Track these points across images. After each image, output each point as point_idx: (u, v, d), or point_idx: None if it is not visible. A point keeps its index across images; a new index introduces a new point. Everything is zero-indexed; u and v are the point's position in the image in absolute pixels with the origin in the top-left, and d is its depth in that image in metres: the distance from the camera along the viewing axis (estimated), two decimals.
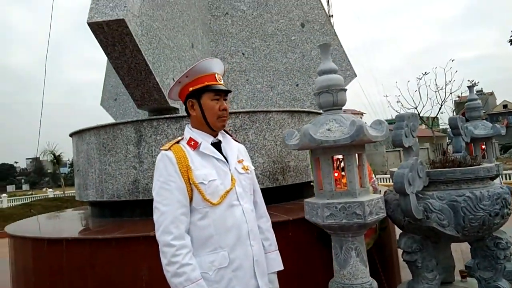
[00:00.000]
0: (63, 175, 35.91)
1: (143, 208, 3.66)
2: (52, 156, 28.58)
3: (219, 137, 1.80)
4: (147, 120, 3.71)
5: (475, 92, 4.27)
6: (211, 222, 1.62)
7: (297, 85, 6.41)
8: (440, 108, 19.69)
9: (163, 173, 1.63)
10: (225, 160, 1.74)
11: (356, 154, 2.27)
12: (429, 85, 19.05)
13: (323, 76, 2.36)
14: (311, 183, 2.63)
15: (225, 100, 1.77)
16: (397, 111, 21.39)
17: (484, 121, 4.08)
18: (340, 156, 2.29)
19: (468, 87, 4.28)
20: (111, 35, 3.35)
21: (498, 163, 3.73)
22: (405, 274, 3.57)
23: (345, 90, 2.36)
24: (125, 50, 3.47)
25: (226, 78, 6.25)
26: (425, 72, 19.19)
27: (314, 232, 2.84)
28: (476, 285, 2.84)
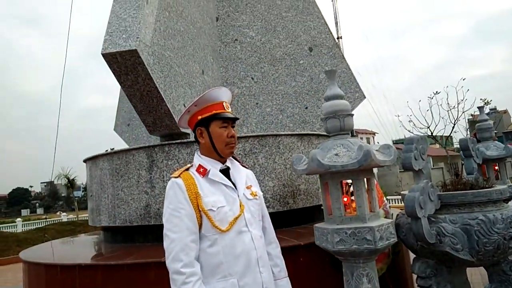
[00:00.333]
0: (76, 198, 36.28)
1: (154, 234, 3.68)
2: (66, 180, 28.98)
3: (228, 163, 1.83)
4: (158, 146, 3.78)
5: (487, 112, 4.25)
6: (220, 249, 1.64)
7: (306, 107, 6.47)
8: (453, 127, 19.49)
9: (173, 200, 1.67)
10: (233, 186, 1.77)
11: (365, 179, 2.28)
12: (441, 104, 18.95)
13: (329, 102, 2.40)
14: (322, 207, 2.62)
15: (233, 127, 1.82)
16: (409, 131, 21.24)
17: (496, 141, 4.04)
18: (349, 180, 2.30)
19: (478, 107, 4.26)
20: (124, 64, 3.47)
21: None
22: None
23: (352, 115, 2.39)
24: (138, 78, 3.59)
25: (236, 102, 6.36)
26: (436, 91, 19.14)
27: (325, 257, 2.81)
28: None
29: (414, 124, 20.03)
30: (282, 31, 6.69)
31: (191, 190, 1.67)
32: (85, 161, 4.61)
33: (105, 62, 3.57)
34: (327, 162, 2.16)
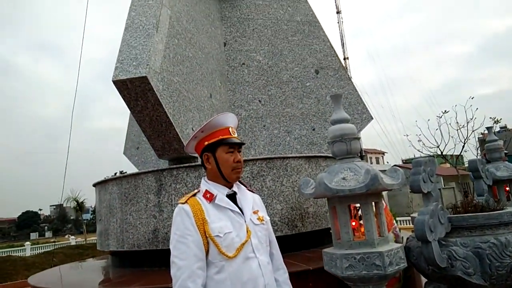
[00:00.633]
0: (85, 221, 36.28)
1: (162, 258, 3.67)
2: (75, 203, 29.07)
3: (234, 188, 1.84)
4: (167, 169, 3.82)
5: (497, 130, 4.22)
6: (227, 276, 1.63)
7: (313, 129, 6.49)
8: (463, 146, 19.28)
9: (180, 227, 1.67)
10: (240, 212, 1.77)
11: (373, 203, 2.27)
12: (450, 123, 18.81)
13: (336, 126, 2.42)
14: (331, 231, 2.60)
15: (239, 152, 1.84)
16: (418, 150, 21.06)
17: (507, 162, 3.99)
18: (358, 204, 2.29)
19: (487, 128, 4.24)
20: (134, 91, 3.56)
21: None
22: None
23: (359, 138, 2.41)
24: (147, 104, 3.66)
25: (243, 125, 6.41)
26: (445, 111, 19.04)
27: (335, 282, 2.77)
28: None
29: (424, 144, 19.86)
30: (288, 55, 6.81)
31: (198, 216, 1.67)
32: (94, 185, 4.65)
33: (114, 87, 3.65)
34: (335, 186, 2.16)
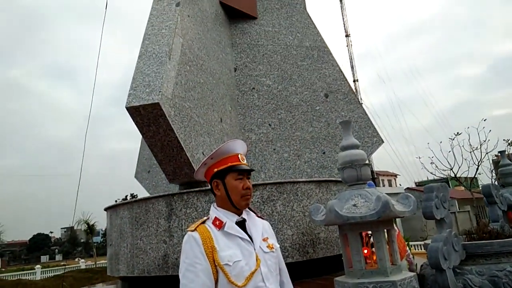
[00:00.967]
0: (95, 244, 36.23)
1: (172, 284, 3.63)
2: (86, 226, 29.14)
3: (244, 215, 1.84)
4: (177, 194, 3.84)
5: (509, 153, 4.16)
6: None
7: (323, 152, 6.49)
8: (477, 169, 18.96)
9: (189, 255, 1.67)
10: (249, 239, 1.77)
11: (385, 230, 2.24)
12: (462, 146, 18.59)
13: (345, 152, 2.43)
14: (343, 258, 2.56)
15: (248, 178, 1.85)
16: (431, 173, 20.72)
17: None
18: (369, 231, 2.26)
19: (500, 152, 4.19)
20: (147, 117, 3.63)
21: None
22: None
23: (368, 164, 2.40)
24: (159, 129, 3.73)
25: (253, 148, 6.44)
26: (458, 133, 18.87)
27: None
28: None
29: (437, 166, 19.58)
30: (298, 79, 6.90)
31: (207, 244, 1.67)
32: (106, 209, 4.69)
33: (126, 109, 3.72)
34: (345, 213, 2.15)
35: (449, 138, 19.08)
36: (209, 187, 1.90)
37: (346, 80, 7.05)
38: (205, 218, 1.84)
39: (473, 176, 20.39)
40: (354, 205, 2.18)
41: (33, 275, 20.99)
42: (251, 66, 6.94)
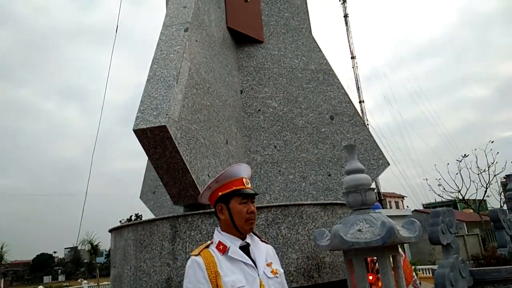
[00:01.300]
0: (99, 264, 35.90)
1: None
2: (90, 246, 28.98)
3: (248, 239, 1.85)
4: (182, 216, 3.84)
5: None
6: None
7: (329, 175, 6.47)
8: (485, 191, 18.73)
9: (192, 280, 1.68)
10: (253, 264, 1.77)
11: (391, 256, 2.22)
12: (470, 168, 18.44)
13: (350, 176, 2.44)
14: (348, 284, 2.53)
15: (253, 202, 1.86)
16: (439, 195, 20.47)
17: None
18: (375, 257, 2.24)
19: (507, 175, 4.17)
20: (153, 139, 3.68)
21: None
22: None
23: (373, 189, 2.41)
24: (165, 152, 3.77)
25: (259, 170, 6.45)
26: (465, 154, 18.75)
27: None
28: None
29: (444, 188, 19.37)
30: (303, 101, 6.96)
31: (210, 269, 1.68)
32: (110, 231, 4.69)
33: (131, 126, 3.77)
34: (350, 238, 2.14)
35: (457, 160, 18.96)
36: (213, 209, 1.91)
37: (352, 102, 7.10)
38: (208, 242, 1.85)
39: (481, 198, 20.11)
40: (359, 230, 2.17)
41: None
42: (257, 89, 7.03)
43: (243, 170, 1.92)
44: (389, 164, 6.57)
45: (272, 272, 1.82)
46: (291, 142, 6.73)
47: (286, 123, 6.84)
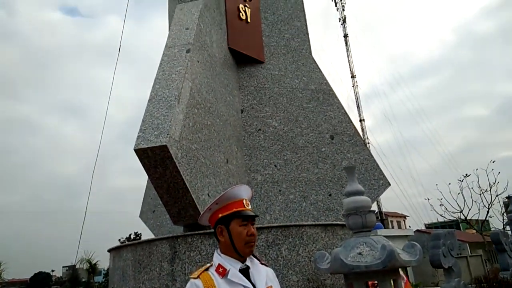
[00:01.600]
0: (97, 284, 35.33)
1: None
2: (88, 265, 28.62)
3: (248, 262, 1.83)
4: (181, 236, 3.81)
5: None
6: None
7: (330, 195, 6.45)
8: (488, 212, 18.59)
9: None
10: None
11: (392, 280, 2.19)
12: (472, 188, 18.35)
13: (350, 198, 2.43)
14: None
15: (253, 224, 1.85)
16: (441, 215, 20.30)
17: None
18: (376, 281, 2.22)
19: (508, 197, 4.16)
20: (154, 159, 3.70)
21: None
22: None
23: (374, 211, 2.40)
24: (166, 171, 3.78)
25: (259, 189, 6.43)
26: (466, 174, 18.68)
27: None
28: None
29: (446, 208, 19.23)
30: (304, 121, 7.00)
31: None
32: (109, 250, 4.65)
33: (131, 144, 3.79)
34: (350, 262, 2.12)
35: (458, 180, 18.89)
36: (213, 230, 1.90)
37: (352, 122, 7.14)
38: (208, 265, 1.84)
39: (484, 219, 19.92)
40: (360, 253, 2.16)
41: None
42: (258, 108, 7.08)
43: (244, 192, 1.92)
44: (389, 185, 6.55)
45: None
46: (291, 161, 6.74)
47: (287, 143, 6.86)
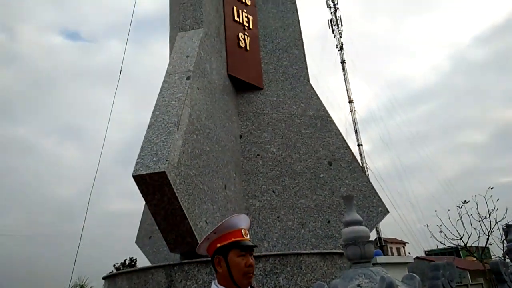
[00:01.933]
0: None
1: None
2: None
3: None
4: (178, 264, 3.76)
5: None
6: None
7: (328, 221, 6.40)
8: (487, 239, 18.40)
9: None
10: None
11: None
12: (471, 214, 18.24)
13: (348, 228, 2.42)
14: None
15: (251, 255, 1.84)
16: (440, 242, 20.06)
17: None
18: None
19: (507, 225, 4.13)
20: (152, 185, 3.69)
21: None
22: None
23: (372, 242, 2.38)
24: (164, 198, 3.77)
25: (257, 216, 6.38)
26: (465, 201, 18.61)
27: None
28: None
29: (445, 235, 19.03)
30: (302, 147, 7.03)
31: None
32: (104, 278, 4.56)
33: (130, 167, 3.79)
34: None
35: (457, 206, 18.77)
36: (210, 258, 1.88)
37: (349, 148, 7.18)
38: None
39: (484, 246, 19.67)
40: (358, 285, 2.13)
41: None
42: (256, 134, 7.13)
43: (242, 221, 1.91)
44: (388, 212, 6.52)
45: None
46: (289, 187, 6.72)
47: (285, 168, 6.86)
